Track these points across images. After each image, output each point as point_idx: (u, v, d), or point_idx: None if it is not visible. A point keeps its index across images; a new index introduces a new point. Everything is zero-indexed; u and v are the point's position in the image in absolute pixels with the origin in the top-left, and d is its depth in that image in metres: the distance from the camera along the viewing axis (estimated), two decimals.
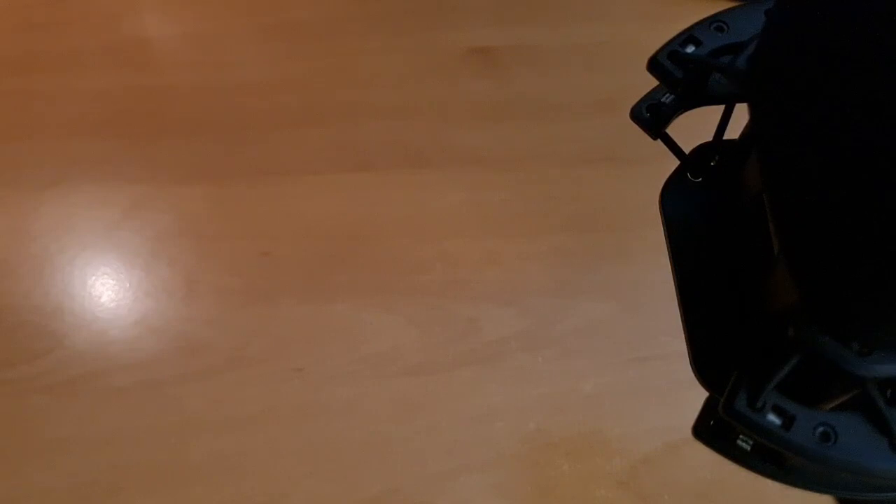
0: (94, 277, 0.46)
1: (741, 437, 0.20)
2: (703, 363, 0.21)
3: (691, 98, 0.22)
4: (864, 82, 0.15)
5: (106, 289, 0.46)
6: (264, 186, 0.50)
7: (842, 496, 0.21)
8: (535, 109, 0.53)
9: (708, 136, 0.24)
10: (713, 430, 0.20)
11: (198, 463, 0.41)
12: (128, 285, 0.46)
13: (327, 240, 0.48)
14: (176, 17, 0.57)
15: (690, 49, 0.22)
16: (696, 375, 0.21)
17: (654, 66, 0.22)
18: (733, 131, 0.24)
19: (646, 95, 0.23)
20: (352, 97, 0.53)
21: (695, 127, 0.24)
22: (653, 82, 0.23)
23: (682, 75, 0.22)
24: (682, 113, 0.23)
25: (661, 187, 0.24)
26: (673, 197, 0.24)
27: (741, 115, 0.21)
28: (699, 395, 0.21)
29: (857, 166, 0.15)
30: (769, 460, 0.20)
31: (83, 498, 0.40)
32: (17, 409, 0.43)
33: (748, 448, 0.20)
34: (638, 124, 0.23)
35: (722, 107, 0.23)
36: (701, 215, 0.23)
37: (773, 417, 0.18)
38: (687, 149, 0.24)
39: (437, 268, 0.47)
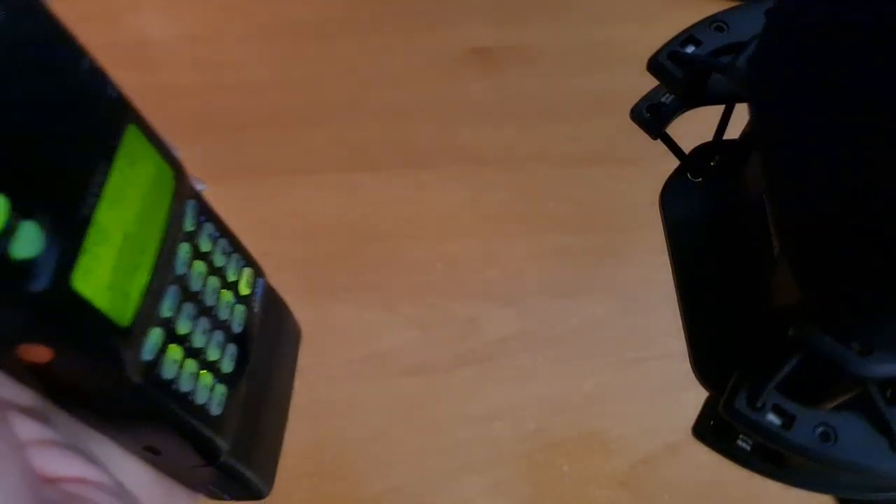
0: None
1: (741, 437, 0.20)
2: (703, 363, 0.21)
3: (691, 98, 0.22)
4: (865, 82, 0.15)
5: None
6: (264, 186, 0.50)
7: (841, 496, 0.21)
8: (535, 109, 0.53)
9: (708, 136, 0.24)
10: (713, 430, 0.20)
11: None
12: None
13: (327, 240, 0.48)
14: (176, 17, 0.57)
15: (690, 49, 0.22)
16: (696, 375, 0.21)
17: (654, 66, 0.22)
18: (733, 131, 0.24)
19: (646, 95, 0.23)
20: (352, 97, 0.53)
21: (695, 127, 0.24)
22: (653, 82, 0.23)
23: (682, 75, 0.22)
24: (682, 113, 0.23)
25: (661, 187, 0.24)
26: (673, 197, 0.24)
27: (741, 115, 0.21)
28: (699, 395, 0.21)
29: (858, 167, 0.15)
30: (769, 460, 0.20)
31: None
32: None
33: (748, 448, 0.20)
34: (638, 124, 0.23)
35: (722, 107, 0.23)
36: (701, 215, 0.23)
37: (773, 417, 0.18)
38: (687, 149, 0.24)
39: (437, 268, 0.47)
